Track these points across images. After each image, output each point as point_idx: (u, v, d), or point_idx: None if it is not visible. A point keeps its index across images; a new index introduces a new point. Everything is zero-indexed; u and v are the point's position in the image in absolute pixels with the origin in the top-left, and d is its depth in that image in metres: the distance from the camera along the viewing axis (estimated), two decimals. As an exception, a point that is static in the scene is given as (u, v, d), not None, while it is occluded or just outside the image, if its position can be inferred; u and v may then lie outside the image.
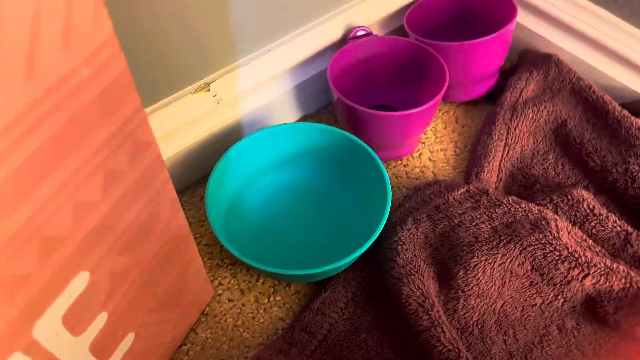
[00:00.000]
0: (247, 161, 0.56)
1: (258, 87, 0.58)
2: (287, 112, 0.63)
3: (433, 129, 0.64)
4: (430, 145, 0.63)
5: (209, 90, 0.55)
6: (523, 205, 0.51)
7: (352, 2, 0.63)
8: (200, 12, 0.49)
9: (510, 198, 0.52)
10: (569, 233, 0.50)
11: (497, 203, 0.52)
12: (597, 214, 0.53)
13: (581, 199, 0.53)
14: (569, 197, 0.54)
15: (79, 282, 0.31)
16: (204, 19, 0.49)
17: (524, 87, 0.63)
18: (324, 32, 0.61)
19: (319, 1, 0.59)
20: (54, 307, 0.29)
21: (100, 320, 0.34)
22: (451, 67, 0.59)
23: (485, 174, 0.58)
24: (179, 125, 0.54)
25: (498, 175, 0.59)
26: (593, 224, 0.52)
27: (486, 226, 0.50)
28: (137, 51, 0.46)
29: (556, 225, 0.49)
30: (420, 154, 0.62)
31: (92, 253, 0.31)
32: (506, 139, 0.60)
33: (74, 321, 0.32)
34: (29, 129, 0.23)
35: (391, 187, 0.59)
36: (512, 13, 0.60)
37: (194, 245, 0.43)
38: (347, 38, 0.62)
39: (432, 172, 0.61)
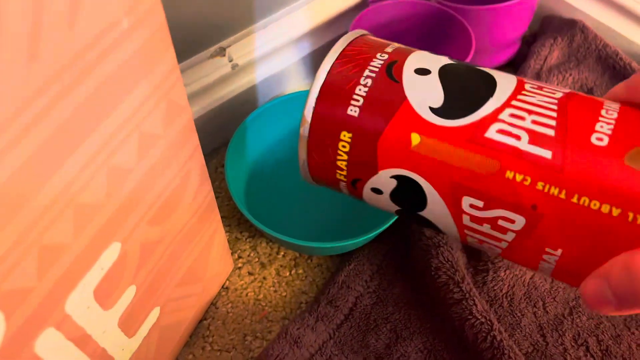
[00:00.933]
0: (266, 130, 0.54)
1: (275, 52, 0.55)
2: (304, 79, 0.61)
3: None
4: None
5: (224, 55, 0.52)
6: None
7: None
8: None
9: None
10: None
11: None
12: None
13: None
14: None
15: (111, 254, 0.29)
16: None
17: (547, 54, 0.61)
18: (343, -5, 0.59)
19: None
20: (86, 280, 0.28)
21: (130, 294, 0.33)
22: (474, 32, 0.57)
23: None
24: (195, 91, 0.51)
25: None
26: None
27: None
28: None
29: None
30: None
31: (125, 223, 0.29)
32: (530, 108, 0.58)
33: (105, 295, 0.30)
34: (68, 87, 0.21)
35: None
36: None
37: (218, 215, 0.42)
38: (369, 0, 0.59)
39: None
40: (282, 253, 0.51)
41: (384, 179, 0.27)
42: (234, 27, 0.52)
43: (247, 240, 0.52)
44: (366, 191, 0.28)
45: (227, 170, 0.47)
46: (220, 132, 0.56)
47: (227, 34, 0.52)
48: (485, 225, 0.25)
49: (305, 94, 0.53)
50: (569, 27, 0.62)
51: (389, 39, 0.60)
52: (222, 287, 0.49)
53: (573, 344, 0.45)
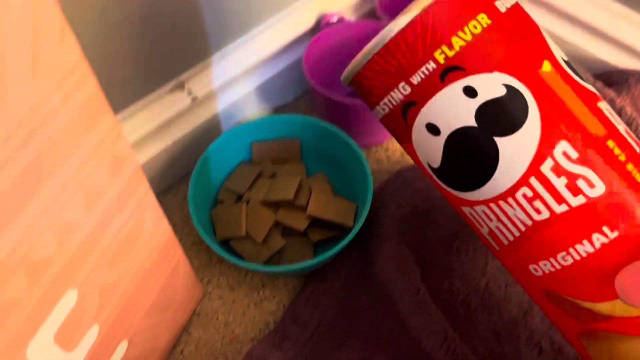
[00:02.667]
0: (227, 157, 0.56)
1: (234, 81, 0.58)
2: (265, 103, 0.63)
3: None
4: (408, 128, 0.63)
5: (183, 89, 0.55)
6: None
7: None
8: (170, 11, 0.48)
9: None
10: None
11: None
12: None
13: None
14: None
15: (68, 300, 0.31)
16: (174, 18, 0.49)
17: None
18: (298, 20, 0.61)
19: (289, -10, 0.58)
20: (45, 327, 0.30)
21: (92, 334, 0.35)
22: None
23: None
24: (157, 126, 0.53)
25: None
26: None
27: (467, 208, 0.51)
28: (108, 56, 0.46)
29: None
30: (399, 138, 0.63)
31: (79, 270, 0.31)
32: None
33: (66, 338, 0.32)
34: (6, 159, 0.23)
35: (373, 173, 0.60)
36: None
37: (180, 248, 0.44)
38: (321, 25, 0.62)
39: (412, 155, 0.61)
40: (249, 275, 0.53)
41: (493, 82, 0.25)
42: (192, 61, 0.54)
43: (216, 265, 0.54)
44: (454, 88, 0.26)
45: (190, 201, 0.49)
46: (188, 159, 0.58)
47: (185, 67, 0.54)
48: (562, 178, 0.25)
49: (261, 121, 0.55)
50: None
51: (343, 60, 0.62)
52: (194, 312, 0.51)
53: (527, 345, 0.48)
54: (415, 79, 0.26)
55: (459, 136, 0.26)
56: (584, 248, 0.25)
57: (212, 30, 0.53)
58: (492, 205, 0.26)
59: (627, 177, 0.25)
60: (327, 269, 0.52)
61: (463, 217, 0.30)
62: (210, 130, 0.58)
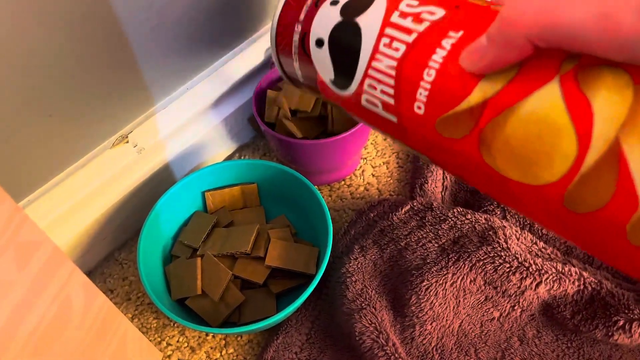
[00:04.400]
0: (180, 208, 0.53)
1: (182, 128, 0.55)
2: (219, 146, 0.60)
3: (373, 142, 0.62)
4: (372, 160, 0.61)
5: (127, 142, 0.52)
6: (469, 217, 0.50)
7: (268, 25, 0.60)
8: (105, 66, 0.45)
9: (455, 210, 0.51)
10: (518, 239, 0.49)
11: (442, 218, 0.50)
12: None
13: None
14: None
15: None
16: (110, 73, 0.46)
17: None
18: (246, 59, 0.58)
19: (236, 30, 0.56)
20: None
21: None
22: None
23: (429, 184, 0.56)
24: (102, 183, 0.50)
25: (443, 183, 0.57)
26: (542, 224, 0.51)
27: (433, 245, 0.49)
28: (44, 115, 0.43)
29: (504, 234, 0.48)
30: (363, 171, 0.60)
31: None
32: (447, 145, 0.58)
33: None
34: None
35: (337, 210, 0.57)
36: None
37: (124, 318, 0.41)
38: (270, 63, 0.59)
39: (377, 188, 0.59)
40: (210, 334, 0.50)
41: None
42: (134, 113, 0.51)
43: (176, 325, 0.51)
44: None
45: (140, 261, 0.46)
46: (141, 213, 0.55)
47: (127, 120, 0.51)
48: (408, 19, 0.30)
49: (214, 168, 0.53)
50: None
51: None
52: (153, 379, 0.48)
53: (507, 388, 0.45)
54: (302, 17, 0.35)
55: (335, 33, 0.33)
56: (439, 55, 0.28)
57: (153, 80, 0.51)
58: (370, 72, 0.31)
59: (464, 5, 0.29)
60: (291, 322, 0.49)
61: (365, 118, 0.33)
62: (163, 180, 0.55)
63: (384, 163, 0.61)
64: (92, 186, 0.50)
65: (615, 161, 0.21)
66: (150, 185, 0.54)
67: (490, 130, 0.26)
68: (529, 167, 0.24)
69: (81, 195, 0.50)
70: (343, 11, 0.33)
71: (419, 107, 0.28)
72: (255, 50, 0.59)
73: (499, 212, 0.52)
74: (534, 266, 0.46)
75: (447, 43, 0.28)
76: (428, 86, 0.28)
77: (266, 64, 0.59)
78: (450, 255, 0.47)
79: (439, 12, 0.29)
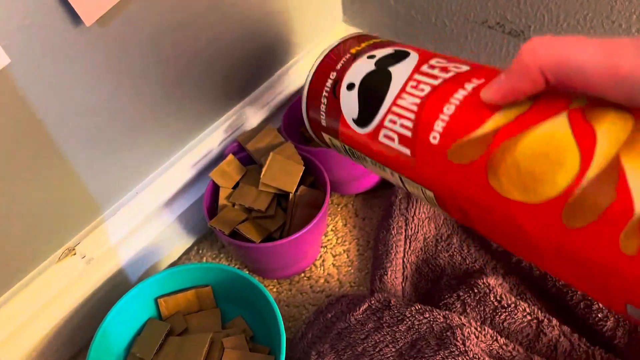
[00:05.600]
0: (132, 317, 0.51)
1: (134, 232, 0.54)
2: (175, 243, 0.59)
3: (333, 229, 0.61)
4: (332, 248, 0.60)
5: (75, 254, 0.51)
6: (427, 315, 0.49)
7: (222, 119, 0.59)
8: (43, 183, 0.44)
9: (413, 308, 0.49)
10: (477, 338, 0.47)
11: (400, 318, 0.49)
12: (506, 305, 0.50)
13: (488, 290, 0.51)
14: (476, 290, 0.51)
15: None
16: (49, 188, 0.45)
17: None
18: (199, 153, 0.58)
19: (183, 131, 0.55)
20: None
21: None
22: (336, 166, 0.57)
23: (389, 275, 0.55)
24: (48, 299, 0.49)
25: (403, 273, 0.56)
26: (503, 317, 0.50)
27: (390, 350, 0.47)
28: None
29: (462, 334, 0.47)
30: (323, 261, 0.59)
31: None
32: (405, 231, 0.58)
33: None
34: None
35: (297, 306, 0.56)
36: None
37: None
38: (224, 154, 0.58)
39: (338, 279, 0.57)
40: None
41: (387, 49, 0.39)
42: (79, 224, 0.50)
43: None
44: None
45: (86, 385, 0.45)
46: (96, 322, 0.53)
47: (72, 233, 0.50)
48: (436, 70, 0.34)
49: (166, 275, 0.51)
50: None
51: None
52: None
53: None
54: (338, 66, 0.40)
55: (367, 78, 0.37)
56: (460, 94, 0.31)
57: (98, 189, 0.50)
58: (393, 109, 0.34)
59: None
60: None
61: (377, 154, 0.36)
62: (118, 286, 0.54)
63: (344, 251, 0.60)
64: (38, 304, 0.48)
65: (614, 174, 0.23)
66: (104, 293, 0.53)
67: (500, 153, 0.28)
68: (532, 185, 0.26)
69: (27, 314, 0.48)
70: (378, 63, 0.38)
71: (434, 137, 0.31)
72: (210, 141, 0.58)
73: (458, 306, 0.51)
74: (492, 371, 0.45)
75: (469, 86, 0.31)
76: (446, 118, 0.31)
77: (220, 157, 0.59)
78: (408, 362, 0.46)
79: (465, 67, 0.33)
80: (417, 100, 0.33)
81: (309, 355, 0.49)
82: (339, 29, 0.69)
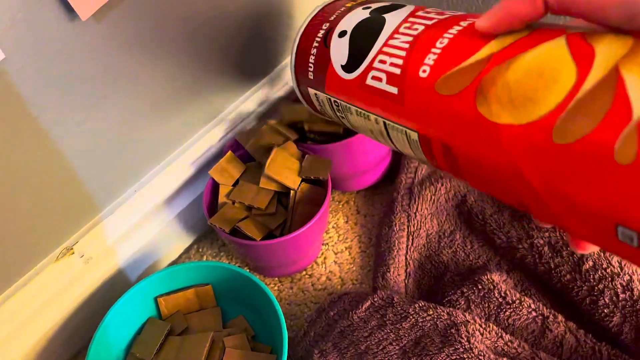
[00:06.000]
0: (132, 317, 0.51)
1: (132, 231, 0.53)
2: (175, 242, 0.59)
3: (335, 226, 0.61)
4: (333, 246, 0.59)
5: (73, 253, 0.50)
6: (431, 312, 0.48)
7: (221, 115, 0.59)
8: (39, 181, 0.44)
9: (417, 305, 0.49)
10: (482, 335, 0.47)
11: (403, 315, 0.48)
12: (510, 302, 0.49)
13: (492, 287, 0.50)
14: (480, 287, 0.51)
15: None
16: (47, 187, 0.45)
17: (418, 165, 0.60)
18: (198, 151, 0.57)
19: (184, 126, 0.55)
20: None
21: None
22: (338, 163, 0.56)
23: (392, 272, 0.54)
24: (48, 298, 0.48)
25: (406, 270, 0.55)
26: (507, 313, 0.49)
27: (394, 347, 0.46)
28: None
29: (467, 331, 0.46)
30: (325, 258, 0.58)
31: None
32: (408, 228, 0.57)
33: None
34: None
35: (298, 304, 0.55)
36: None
37: None
38: (223, 151, 0.58)
39: (340, 277, 0.57)
40: None
41: None
42: (78, 223, 0.50)
43: None
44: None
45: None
46: (89, 327, 0.52)
47: (70, 232, 0.50)
48: (432, 13, 0.35)
49: (165, 274, 0.51)
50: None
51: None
52: None
53: None
54: (332, 17, 0.40)
55: (360, 24, 0.37)
56: (455, 29, 0.31)
57: (96, 188, 0.49)
58: (384, 49, 0.34)
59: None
60: None
61: (362, 98, 0.36)
62: (116, 285, 0.53)
63: (346, 248, 0.59)
64: (36, 304, 0.48)
65: (612, 83, 0.23)
66: (102, 292, 0.52)
67: (491, 78, 0.27)
68: (523, 105, 0.25)
69: (26, 314, 0.47)
70: (373, 12, 0.37)
71: (424, 71, 0.30)
72: (209, 138, 0.58)
73: (462, 303, 0.50)
74: (498, 369, 0.44)
75: (464, 23, 0.31)
76: (438, 51, 0.30)
77: (219, 155, 0.58)
78: (412, 360, 0.45)
79: (460, 13, 0.33)
80: (410, 39, 0.33)
81: (312, 353, 0.48)
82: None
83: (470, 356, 0.44)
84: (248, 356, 0.47)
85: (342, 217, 0.62)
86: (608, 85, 0.23)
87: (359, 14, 0.38)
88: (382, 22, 0.36)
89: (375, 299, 0.50)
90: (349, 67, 0.37)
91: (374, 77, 0.35)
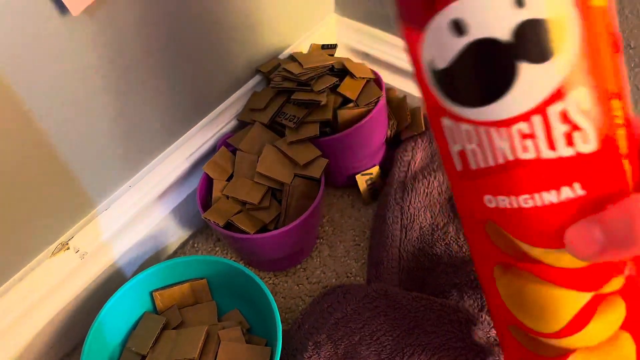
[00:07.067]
0: (128, 311, 0.51)
1: (127, 226, 0.54)
2: (170, 237, 0.59)
3: (329, 220, 0.61)
4: (328, 239, 0.60)
5: (68, 248, 0.50)
6: (424, 303, 0.48)
7: (216, 110, 0.59)
8: (37, 175, 0.44)
9: (410, 296, 0.49)
10: (475, 325, 0.47)
11: (396, 306, 0.49)
12: (503, 292, 0.50)
13: (484, 278, 0.51)
14: (472, 277, 0.51)
15: None
16: (43, 182, 0.45)
17: (410, 159, 0.61)
18: (193, 146, 0.57)
19: (178, 121, 0.55)
20: None
21: None
22: (332, 158, 0.56)
23: (385, 265, 0.54)
24: (43, 294, 0.49)
25: (400, 263, 0.56)
26: (500, 303, 0.50)
27: (387, 338, 0.47)
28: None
29: (460, 322, 0.46)
30: (319, 252, 0.59)
31: None
32: (401, 221, 0.57)
33: None
34: None
35: (293, 297, 0.56)
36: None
37: None
38: (217, 147, 0.58)
39: (334, 270, 0.57)
40: None
41: None
42: (73, 218, 0.50)
43: None
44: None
45: (81, 380, 0.45)
46: (85, 323, 0.52)
47: (66, 227, 0.50)
48: (564, 126, 0.23)
49: (160, 267, 0.51)
50: (427, 125, 0.62)
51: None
52: None
53: None
54: None
55: (485, 46, 0.22)
56: (549, 197, 0.24)
57: (91, 182, 0.49)
58: (480, 128, 0.24)
59: (614, 142, 0.23)
60: None
61: (435, 126, 0.27)
62: (112, 280, 0.54)
63: (340, 242, 0.59)
64: (32, 299, 0.48)
65: None
66: (98, 288, 0.53)
67: (518, 274, 0.27)
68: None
69: (21, 310, 0.48)
70: (519, 32, 0.22)
71: (490, 201, 0.26)
72: (203, 133, 0.58)
73: (455, 294, 0.51)
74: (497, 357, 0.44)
75: (564, 193, 0.24)
76: (515, 205, 0.25)
77: (213, 150, 0.58)
78: (405, 350, 0.45)
79: (591, 145, 0.23)
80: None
81: (306, 345, 0.49)
82: (331, 20, 0.68)
83: (462, 345, 0.45)
84: (243, 349, 0.48)
85: (337, 212, 0.62)
86: None
87: (499, 18, 0.22)
88: (511, 80, 0.23)
89: (369, 291, 0.51)
90: (440, 81, 0.25)
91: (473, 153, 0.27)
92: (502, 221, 0.26)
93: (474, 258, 0.31)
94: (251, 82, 0.61)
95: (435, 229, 0.58)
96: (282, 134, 0.56)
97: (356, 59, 0.67)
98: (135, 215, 0.53)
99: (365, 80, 0.57)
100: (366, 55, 0.67)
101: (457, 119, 0.25)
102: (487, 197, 0.26)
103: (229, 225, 0.52)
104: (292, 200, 0.53)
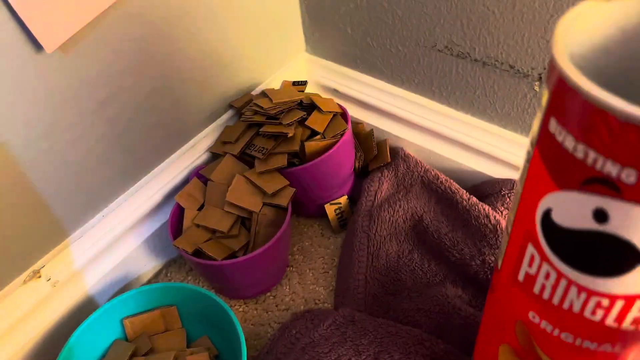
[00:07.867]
0: (98, 339, 0.52)
1: (100, 255, 0.55)
2: (145, 266, 0.60)
3: (299, 249, 0.63)
4: (298, 267, 0.61)
5: (40, 277, 0.51)
6: (390, 329, 0.50)
7: (189, 143, 0.61)
8: (7, 205, 0.46)
9: (376, 322, 0.51)
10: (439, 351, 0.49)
11: (362, 332, 0.50)
12: (464, 316, 0.52)
13: (447, 302, 0.52)
14: (435, 302, 0.53)
15: None
16: (15, 211, 0.46)
17: (377, 189, 0.63)
18: (166, 177, 0.59)
19: (151, 153, 0.57)
20: None
21: None
22: (300, 188, 0.59)
23: (352, 291, 0.56)
24: (13, 321, 0.49)
25: (366, 289, 0.57)
26: (462, 326, 0.51)
27: (352, 362, 0.48)
28: None
29: (424, 347, 0.48)
30: (289, 279, 0.60)
31: None
32: (368, 248, 0.59)
33: None
34: None
35: (262, 324, 0.57)
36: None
37: None
38: (190, 178, 0.60)
39: (303, 297, 0.58)
40: None
41: None
42: (45, 247, 0.51)
43: None
44: None
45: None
46: (52, 355, 0.53)
47: (38, 255, 0.51)
48: None
49: (130, 296, 0.52)
50: (393, 157, 0.65)
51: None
52: None
53: None
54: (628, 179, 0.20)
55: (618, 244, 0.22)
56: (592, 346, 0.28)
57: (64, 212, 0.51)
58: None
59: None
60: None
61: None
62: (84, 309, 0.55)
63: (310, 269, 0.61)
64: (3, 326, 0.49)
65: None
66: (70, 317, 0.53)
67: None
68: None
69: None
70: None
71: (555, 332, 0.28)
72: (177, 165, 0.60)
73: (419, 318, 0.52)
74: (449, 378, 0.46)
75: None
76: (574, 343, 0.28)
77: (185, 181, 0.60)
78: (368, 373, 0.47)
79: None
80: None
81: (273, 371, 0.50)
82: (302, 59, 0.72)
83: (424, 368, 0.46)
84: (210, 374, 0.49)
85: (307, 240, 0.64)
86: None
87: None
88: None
89: (337, 317, 0.52)
90: (558, 249, 0.26)
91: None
92: (535, 333, 0.29)
93: (483, 330, 0.36)
94: (225, 116, 0.64)
95: (401, 255, 0.60)
96: (252, 165, 0.58)
97: (326, 95, 0.70)
98: (108, 244, 0.55)
99: (332, 114, 0.60)
100: (335, 92, 0.70)
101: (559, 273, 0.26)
102: (531, 314, 0.28)
103: (199, 253, 0.53)
104: (260, 228, 0.55)
